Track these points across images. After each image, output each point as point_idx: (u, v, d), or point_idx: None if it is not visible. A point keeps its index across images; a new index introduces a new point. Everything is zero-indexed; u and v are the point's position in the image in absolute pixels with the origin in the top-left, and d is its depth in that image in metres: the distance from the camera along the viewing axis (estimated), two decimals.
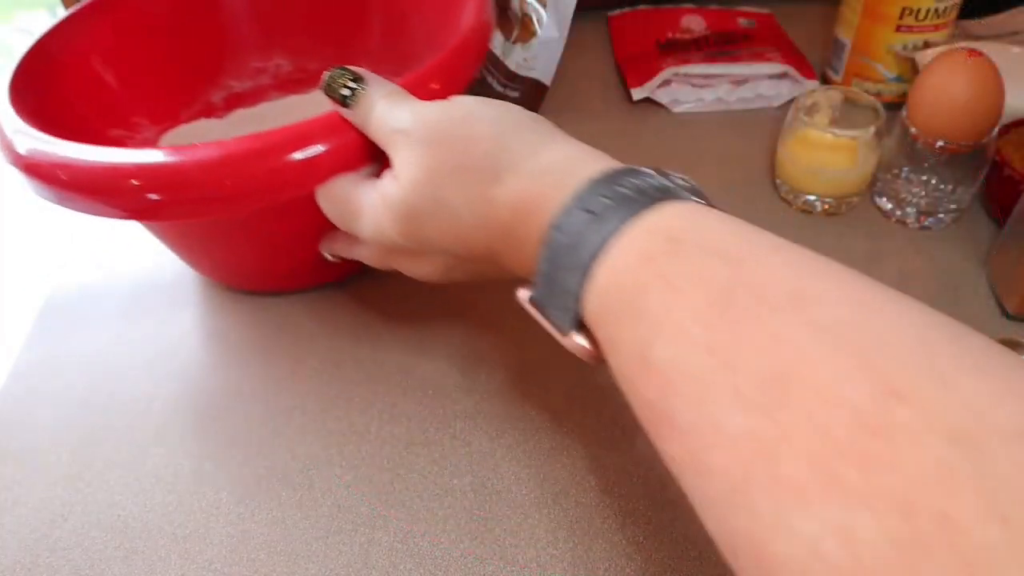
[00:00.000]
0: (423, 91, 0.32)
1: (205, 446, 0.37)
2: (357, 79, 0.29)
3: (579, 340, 0.22)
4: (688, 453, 0.17)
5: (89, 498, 0.35)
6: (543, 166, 0.24)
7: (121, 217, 0.33)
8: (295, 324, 0.42)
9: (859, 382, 0.15)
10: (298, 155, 0.30)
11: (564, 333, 0.23)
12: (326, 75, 0.30)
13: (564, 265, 0.22)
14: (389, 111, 0.28)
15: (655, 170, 0.23)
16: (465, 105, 0.27)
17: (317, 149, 0.30)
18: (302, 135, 0.31)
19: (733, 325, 0.17)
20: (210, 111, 0.52)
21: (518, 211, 0.24)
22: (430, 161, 0.26)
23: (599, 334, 0.21)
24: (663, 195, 0.21)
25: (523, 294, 0.25)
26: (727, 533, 0.16)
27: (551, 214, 0.22)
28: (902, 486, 0.13)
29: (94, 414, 0.39)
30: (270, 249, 0.40)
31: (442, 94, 0.32)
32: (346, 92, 0.29)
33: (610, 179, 0.22)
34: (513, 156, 0.25)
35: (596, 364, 0.23)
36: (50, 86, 0.42)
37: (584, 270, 0.21)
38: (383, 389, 0.39)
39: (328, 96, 0.30)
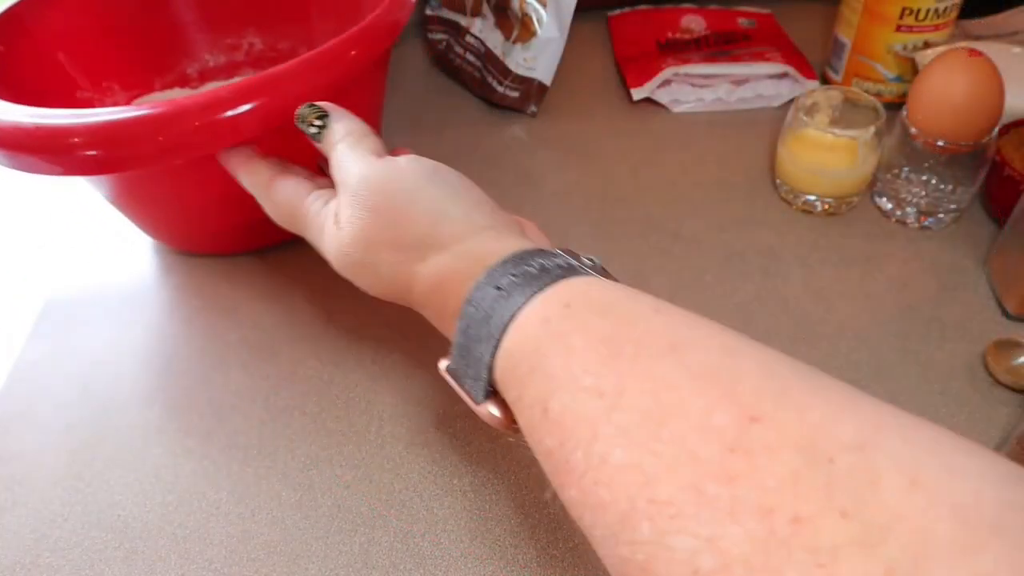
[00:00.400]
0: (344, 59, 0.37)
1: (205, 446, 0.37)
2: (322, 116, 0.32)
3: (491, 409, 0.24)
4: (581, 492, 0.19)
5: (89, 498, 0.35)
6: (465, 249, 0.26)
7: (62, 173, 0.35)
8: (296, 325, 0.42)
9: (724, 411, 0.17)
10: (228, 113, 0.34)
11: (477, 402, 0.25)
12: (298, 111, 0.32)
13: (476, 337, 0.23)
14: (343, 158, 0.30)
15: (564, 251, 0.26)
16: (409, 176, 0.28)
17: (242, 108, 0.34)
18: (230, 96, 0.34)
19: (619, 373, 0.19)
20: (184, 82, 0.55)
21: (437, 286, 0.26)
22: (367, 229, 0.28)
23: (508, 397, 0.23)
24: (567, 273, 0.23)
25: (441, 365, 0.27)
26: (619, 565, 0.18)
27: (466, 291, 0.24)
28: (760, 495, 0.15)
29: (94, 414, 0.39)
30: (231, 202, 0.42)
31: (361, 59, 0.38)
32: (314, 129, 0.31)
33: (519, 259, 0.24)
34: (441, 240, 0.27)
35: (507, 432, 0.24)
36: (17, 47, 0.45)
37: (494, 341, 0.23)
38: (383, 389, 0.39)
39: (300, 129, 0.32)
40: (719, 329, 0.20)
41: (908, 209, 0.44)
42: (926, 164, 0.42)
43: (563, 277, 0.23)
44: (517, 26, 0.54)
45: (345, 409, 0.38)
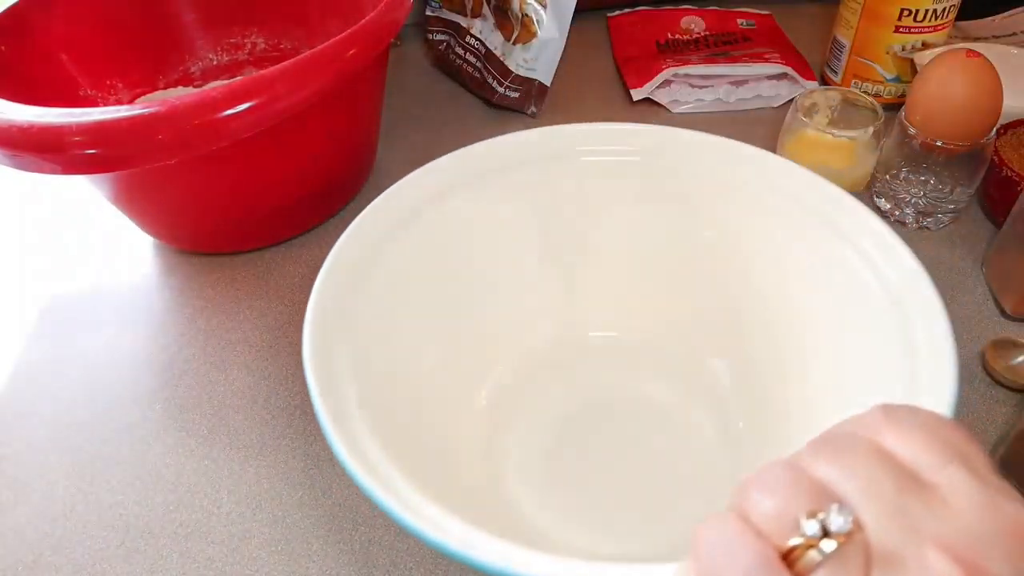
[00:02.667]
0: (342, 58, 0.37)
1: (206, 445, 0.37)
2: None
3: None
4: None
5: (91, 497, 0.35)
6: None
7: (62, 172, 0.36)
8: (297, 324, 0.42)
9: None
10: (227, 112, 0.35)
11: None
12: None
13: None
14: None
15: None
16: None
17: (241, 107, 0.35)
18: (229, 95, 0.35)
19: None
20: (188, 80, 0.55)
21: None
22: None
23: None
24: None
25: None
26: None
27: None
28: None
29: (95, 413, 0.39)
30: (238, 196, 0.43)
31: (359, 58, 0.38)
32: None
33: None
34: None
35: None
36: (19, 46, 0.45)
37: None
38: None
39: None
40: None
41: (906, 209, 0.44)
42: (924, 164, 0.42)
43: None
44: (517, 27, 0.54)
45: None
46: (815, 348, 0.32)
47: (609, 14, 0.67)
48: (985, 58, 0.39)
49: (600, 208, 0.37)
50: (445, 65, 0.62)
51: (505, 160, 0.36)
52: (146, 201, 0.44)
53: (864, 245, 0.31)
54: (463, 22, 0.59)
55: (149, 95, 0.53)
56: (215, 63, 0.56)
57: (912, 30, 0.50)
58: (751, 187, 0.35)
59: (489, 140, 0.36)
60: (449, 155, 0.35)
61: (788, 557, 0.15)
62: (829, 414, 0.29)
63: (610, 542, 0.31)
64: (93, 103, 0.49)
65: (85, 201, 0.53)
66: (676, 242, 0.37)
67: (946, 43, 0.51)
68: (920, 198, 0.43)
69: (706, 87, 0.56)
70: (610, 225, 0.37)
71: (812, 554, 0.15)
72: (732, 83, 0.55)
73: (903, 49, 0.51)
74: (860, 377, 0.29)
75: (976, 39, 0.57)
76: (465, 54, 0.59)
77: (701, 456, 0.34)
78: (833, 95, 0.47)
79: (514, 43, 0.54)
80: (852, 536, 0.14)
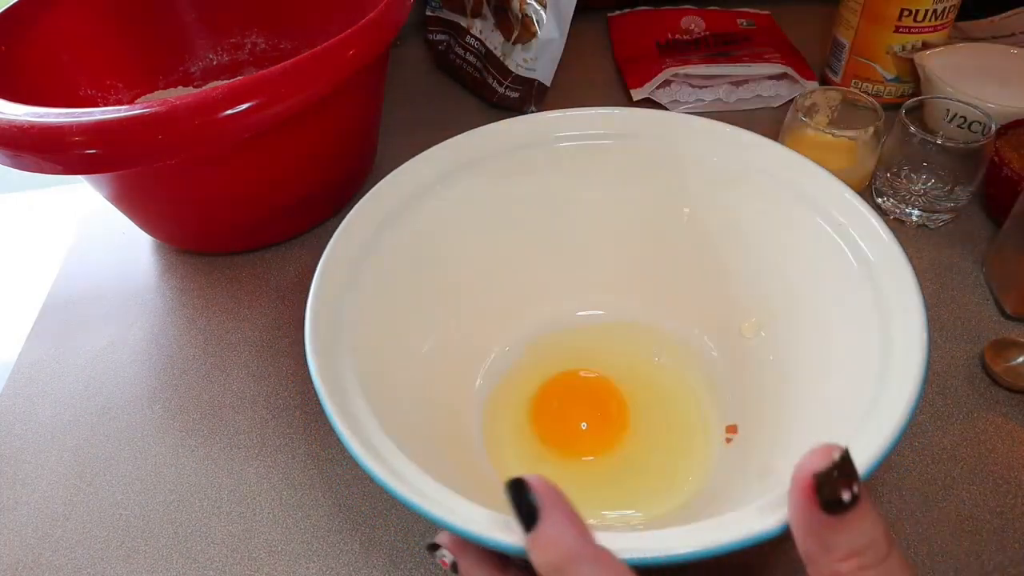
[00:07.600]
0: (343, 58, 0.38)
1: (206, 445, 0.37)
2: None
3: None
4: None
5: (91, 497, 0.35)
6: None
7: (63, 171, 0.36)
8: (297, 324, 0.42)
9: None
10: (227, 112, 0.34)
11: None
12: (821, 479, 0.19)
13: None
14: None
15: None
16: None
17: (241, 107, 0.35)
18: (229, 94, 0.34)
19: None
20: (188, 80, 0.55)
21: None
22: None
23: None
24: None
25: None
26: None
27: None
28: None
29: (95, 414, 0.39)
30: (239, 198, 0.43)
31: (359, 58, 0.38)
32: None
33: None
34: None
35: None
36: (20, 46, 0.45)
37: None
38: None
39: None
40: None
41: (907, 208, 0.44)
42: (925, 163, 0.42)
43: None
44: (517, 27, 0.54)
45: None
46: (797, 318, 0.33)
47: (609, 14, 0.67)
48: None
49: (582, 190, 0.38)
50: (445, 65, 0.62)
51: (489, 149, 0.37)
52: (146, 201, 0.44)
53: (839, 218, 0.32)
54: (463, 22, 0.59)
55: (149, 95, 0.53)
56: (215, 63, 0.56)
57: (912, 30, 0.50)
58: (730, 165, 0.36)
59: (472, 131, 0.37)
60: (436, 146, 0.36)
61: None
62: (813, 378, 0.30)
63: (610, 508, 0.32)
64: (93, 103, 0.49)
65: (84, 199, 0.53)
66: (658, 221, 0.38)
67: (946, 43, 0.51)
68: (920, 197, 0.44)
69: (706, 87, 0.56)
70: (593, 206, 0.38)
71: None
72: (732, 83, 0.55)
73: (903, 49, 0.51)
74: (839, 345, 0.30)
75: (976, 39, 0.57)
76: (465, 54, 0.59)
77: (691, 425, 0.35)
78: (833, 95, 0.47)
79: (514, 43, 0.54)
80: None
